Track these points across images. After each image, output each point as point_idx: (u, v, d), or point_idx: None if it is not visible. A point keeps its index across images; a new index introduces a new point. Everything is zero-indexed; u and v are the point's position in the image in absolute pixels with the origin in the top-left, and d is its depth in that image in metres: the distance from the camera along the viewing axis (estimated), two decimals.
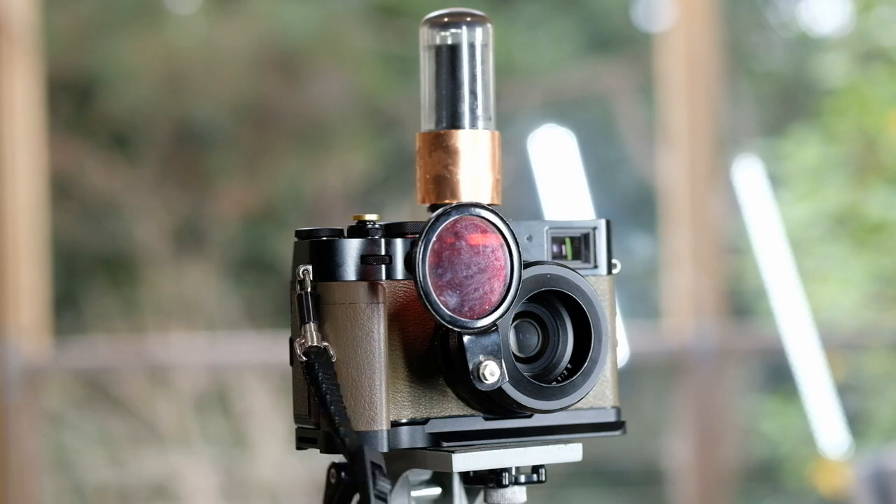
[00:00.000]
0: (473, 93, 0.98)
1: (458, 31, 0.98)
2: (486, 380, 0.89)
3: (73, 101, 4.37)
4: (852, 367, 3.57)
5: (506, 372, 0.90)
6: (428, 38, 0.98)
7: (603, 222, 0.99)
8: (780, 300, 3.45)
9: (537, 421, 0.96)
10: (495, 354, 0.90)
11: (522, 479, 0.95)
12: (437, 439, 0.94)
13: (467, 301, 0.89)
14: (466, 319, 0.89)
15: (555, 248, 0.97)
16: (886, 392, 3.57)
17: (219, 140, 4.47)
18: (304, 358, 0.91)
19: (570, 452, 0.95)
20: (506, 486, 0.95)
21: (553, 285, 0.93)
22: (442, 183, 0.97)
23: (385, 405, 0.92)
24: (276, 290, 4.16)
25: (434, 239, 0.89)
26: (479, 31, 0.98)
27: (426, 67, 0.99)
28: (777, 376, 3.85)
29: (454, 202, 0.97)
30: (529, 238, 0.96)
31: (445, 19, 0.98)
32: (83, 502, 3.99)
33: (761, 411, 3.88)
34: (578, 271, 0.95)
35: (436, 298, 0.88)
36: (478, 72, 0.98)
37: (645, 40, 4.19)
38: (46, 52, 3.50)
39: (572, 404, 0.93)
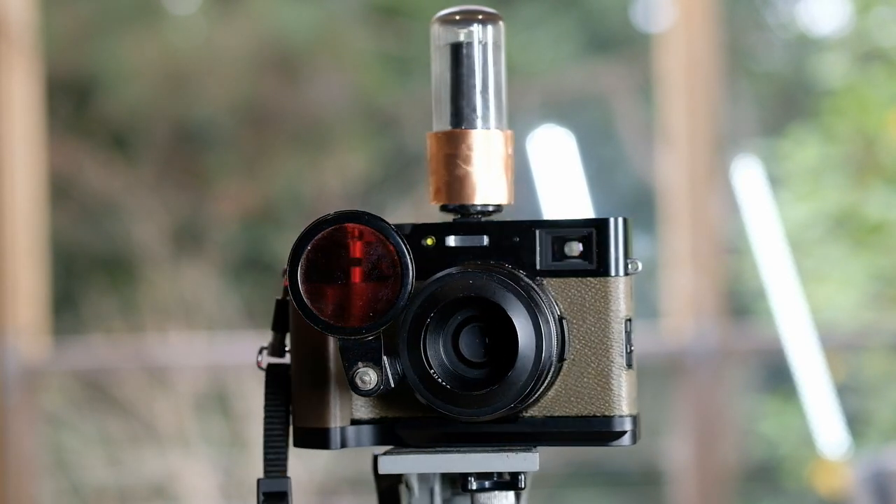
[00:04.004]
0: (486, 92, 0.96)
1: (471, 28, 0.96)
2: (360, 387, 0.89)
3: (72, 102, 4.36)
4: (851, 367, 3.57)
5: (390, 379, 0.89)
6: (439, 36, 0.96)
7: (609, 221, 0.94)
8: (779, 300, 3.45)
9: (522, 427, 0.93)
10: (375, 361, 0.89)
11: (488, 484, 0.93)
12: (399, 439, 0.94)
13: (347, 308, 0.88)
14: (342, 327, 0.88)
15: (557, 249, 0.94)
16: (886, 392, 3.57)
17: (218, 140, 4.47)
18: (263, 368, 0.97)
19: (520, 462, 0.92)
20: (472, 492, 0.93)
21: (473, 292, 0.90)
22: (454, 183, 0.96)
23: (335, 404, 0.94)
24: (276, 291, 4.15)
25: (308, 247, 0.88)
26: (491, 28, 0.96)
27: (437, 66, 0.97)
28: (776, 377, 3.85)
29: (466, 203, 0.96)
30: (517, 239, 0.94)
31: (457, 17, 0.96)
32: (82, 503, 3.99)
33: (760, 412, 3.88)
34: (580, 272, 0.93)
35: (308, 305, 0.88)
36: (490, 70, 0.96)
37: (644, 40, 4.19)
38: (45, 53, 3.50)
39: (491, 414, 0.90)
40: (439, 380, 0.90)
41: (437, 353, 0.91)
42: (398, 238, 0.88)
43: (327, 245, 0.88)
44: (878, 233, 3.42)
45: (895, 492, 2.50)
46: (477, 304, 0.90)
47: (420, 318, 0.90)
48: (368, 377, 0.89)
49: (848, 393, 3.52)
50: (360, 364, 0.89)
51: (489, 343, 0.91)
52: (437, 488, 0.98)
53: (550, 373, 0.91)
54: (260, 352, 0.98)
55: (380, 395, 0.93)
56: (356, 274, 0.88)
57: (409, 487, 0.98)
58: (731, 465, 3.36)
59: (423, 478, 0.98)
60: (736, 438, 3.64)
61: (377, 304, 0.88)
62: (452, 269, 0.91)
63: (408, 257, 0.88)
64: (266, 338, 1.00)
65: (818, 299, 3.45)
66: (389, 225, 0.88)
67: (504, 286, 0.89)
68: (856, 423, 3.50)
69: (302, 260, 0.88)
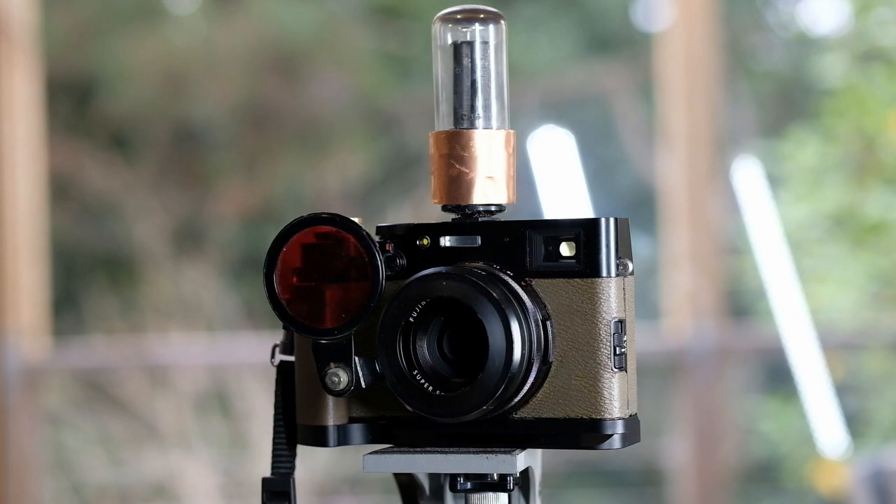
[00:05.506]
0: (487, 91, 0.96)
1: (472, 28, 0.96)
2: (330, 387, 0.90)
3: (72, 102, 4.37)
4: (851, 367, 3.57)
5: (361, 380, 0.90)
6: (441, 35, 0.96)
7: (600, 221, 0.93)
8: (778, 300, 3.45)
9: (511, 428, 0.93)
10: (346, 362, 0.90)
11: (471, 485, 0.93)
12: (394, 439, 0.94)
13: (319, 309, 0.89)
14: (315, 328, 0.89)
15: (548, 250, 0.93)
16: (885, 392, 3.57)
17: (218, 140, 4.47)
18: (275, 365, 0.98)
19: (499, 464, 0.91)
20: (460, 492, 0.93)
21: (445, 294, 0.90)
22: (456, 183, 0.95)
23: (333, 402, 0.94)
24: None
25: (284, 249, 0.89)
26: (493, 28, 0.96)
27: (439, 65, 0.96)
28: (776, 376, 3.86)
29: (464, 203, 0.96)
30: (508, 240, 0.94)
31: (459, 16, 0.96)
32: (82, 502, 3.99)
33: (760, 411, 3.88)
34: (569, 273, 0.92)
35: (283, 306, 0.89)
36: (491, 69, 0.96)
37: (644, 40, 4.19)
38: (46, 53, 3.51)
39: (465, 415, 0.90)
40: (421, 381, 0.90)
41: (421, 354, 0.91)
42: (368, 240, 0.89)
43: (301, 247, 0.89)
44: (877, 233, 3.43)
45: (895, 491, 2.50)
46: (450, 305, 0.90)
47: (395, 319, 0.90)
48: (338, 377, 0.90)
49: (847, 393, 3.53)
50: (331, 364, 0.90)
51: (467, 345, 0.91)
52: (447, 487, 0.98)
53: (532, 375, 0.91)
54: (273, 350, 0.99)
55: (376, 395, 0.93)
56: (328, 275, 0.89)
57: (418, 485, 0.99)
58: (731, 464, 3.36)
59: (433, 476, 0.99)
60: (736, 438, 3.64)
61: (348, 306, 0.89)
62: (429, 271, 0.91)
63: (378, 259, 0.88)
64: (264, 337, 1.01)
65: (818, 299, 3.45)
66: (360, 227, 0.89)
67: (476, 288, 0.89)
68: (855, 422, 3.50)
69: (277, 262, 0.89)
